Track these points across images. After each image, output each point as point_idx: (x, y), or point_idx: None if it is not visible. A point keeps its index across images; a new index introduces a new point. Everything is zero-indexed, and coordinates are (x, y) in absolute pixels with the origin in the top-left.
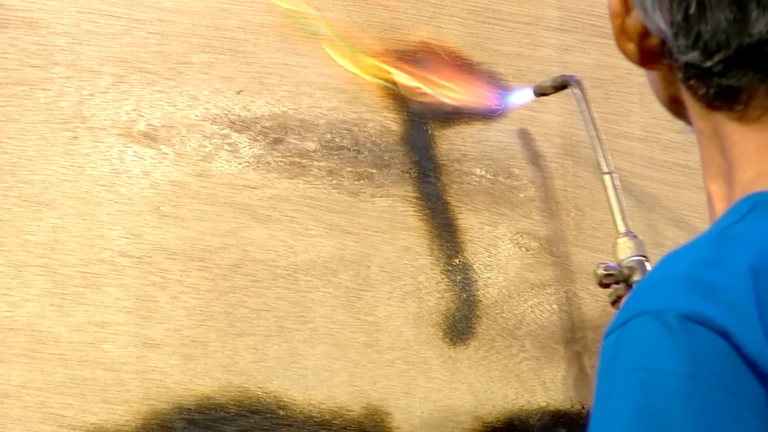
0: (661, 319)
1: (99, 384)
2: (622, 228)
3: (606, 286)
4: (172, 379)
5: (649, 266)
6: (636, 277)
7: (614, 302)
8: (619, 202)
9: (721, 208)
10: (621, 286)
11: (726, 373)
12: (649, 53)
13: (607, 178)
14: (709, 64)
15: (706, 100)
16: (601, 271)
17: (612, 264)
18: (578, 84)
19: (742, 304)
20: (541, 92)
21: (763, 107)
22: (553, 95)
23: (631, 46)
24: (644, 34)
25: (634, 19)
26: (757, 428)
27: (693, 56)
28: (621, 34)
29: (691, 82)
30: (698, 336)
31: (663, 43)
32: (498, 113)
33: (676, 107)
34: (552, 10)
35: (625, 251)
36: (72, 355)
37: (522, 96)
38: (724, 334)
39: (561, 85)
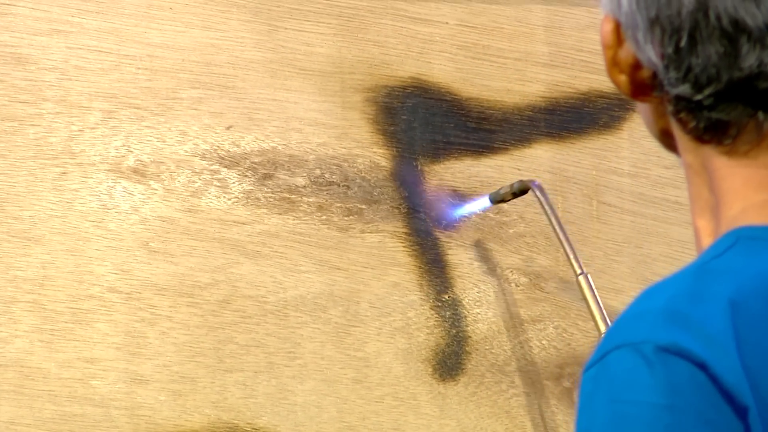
0: (639, 351)
1: (88, 420)
2: (603, 328)
3: None
4: (161, 415)
5: None
6: None
7: None
8: (597, 302)
9: (707, 243)
10: None
11: (703, 405)
12: (640, 85)
13: (581, 279)
14: (699, 97)
15: (696, 134)
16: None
17: None
18: (539, 188)
19: (719, 337)
20: (498, 199)
21: (751, 142)
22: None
23: (623, 78)
24: (636, 66)
25: (626, 51)
26: None
27: (683, 89)
28: (613, 65)
29: (681, 115)
30: (676, 367)
31: (654, 75)
32: (454, 224)
33: (667, 140)
34: (542, 45)
35: None
36: (61, 392)
37: (478, 204)
38: (702, 366)
39: (520, 191)
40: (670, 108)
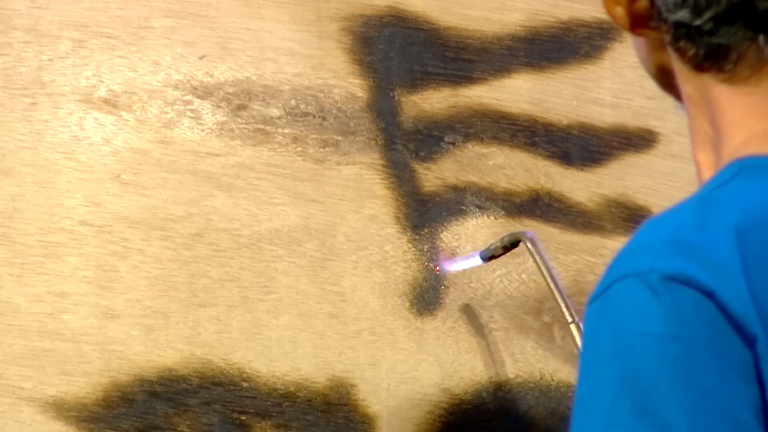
0: (645, 281)
1: (58, 355)
2: None
3: None
4: (133, 350)
5: None
6: None
7: None
8: None
9: (708, 176)
10: None
11: (712, 335)
12: (637, 16)
13: (573, 328)
14: (698, 22)
15: (695, 62)
16: None
17: None
18: (531, 240)
19: (727, 266)
20: (490, 255)
21: (752, 67)
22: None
23: (620, 10)
24: None
25: None
26: (743, 389)
27: (682, 14)
28: None
29: (680, 43)
30: (683, 297)
31: (652, 4)
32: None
33: (664, 78)
34: None
35: None
36: (31, 326)
37: (471, 263)
38: (709, 295)
39: (511, 244)
40: (668, 38)
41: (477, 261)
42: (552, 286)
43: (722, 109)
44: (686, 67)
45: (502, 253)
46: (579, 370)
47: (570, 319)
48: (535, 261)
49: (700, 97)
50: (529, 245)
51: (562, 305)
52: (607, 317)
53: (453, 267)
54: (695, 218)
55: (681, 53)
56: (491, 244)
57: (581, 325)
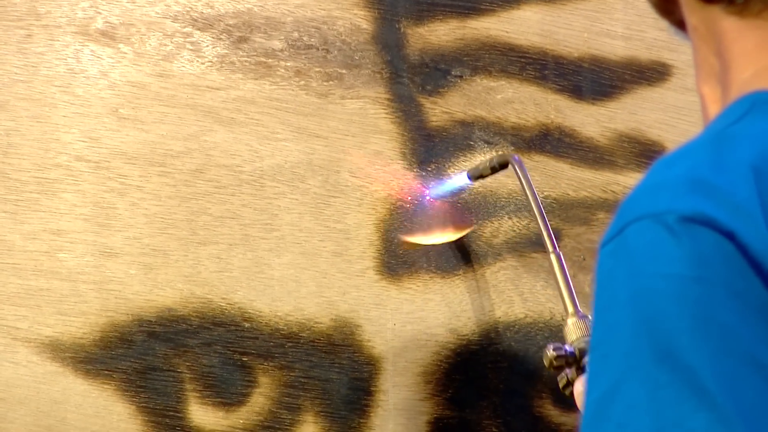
0: (662, 222)
1: (54, 295)
2: (570, 308)
3: (557, 368)
4: (131, 289)
5: None
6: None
7: (565, 387)
8: (566, 282)
9: (714, 110)
10: (572, 369)
11: (733, 276)
12: None
13: (553, 258)
14: None
15: None
16: (551, 353)
17: (563, 346)
18: (519, 163)
19: (745, 205)
20: (477, 175)
21: (765, 1)
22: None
23: None
24: None
25: None
26: (765, 331)
27: None
28: None
29: None
30: (702, 237)
31: None
32: (437, 202)
33: (665, 5)
34: None
35: (575, 332)
36: (26, 265)
37: (458, 181)
38: (729, 235)
39: (500, 165)
40: None
41: (464, 180)
42: (536, 212)
43: (731, 41)
44: None
45: (490, 174)
46: (593, 314)
47: (551, 249)
48: (521, 185)
49: (706, 29)
50: (517, 168)
51: (544, 233)
52: (623, 260)
53: (442, 188)
54: (711, 157)
55: None
56: (479, 164)
57: (562, 258)
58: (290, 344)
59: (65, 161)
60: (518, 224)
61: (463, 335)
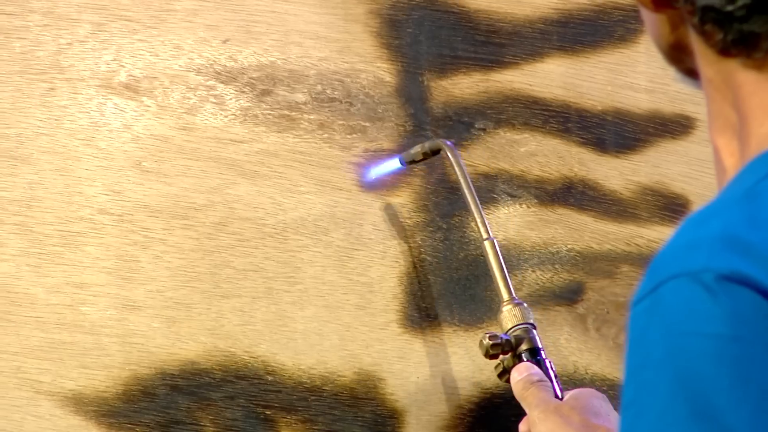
0: (699, 281)
1: (78, 348)
2: (505, 296)
3: (493, 357)
4: (154, 342)
5: (536, 333)
6: (524, 346)
7: (501, 374)
8: (501, 268)
9: (731, 162)
10: (509, 356)
11: None
12: None
13: (487, 244)
14: (730, 8)
15: (721, 47)
16: (487, 341)
17: (499, 334)
18: (452, 149)
19: None
20: (410, 160)
21: None
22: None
23: None
24: None
25: None
26: None
27: None
28: None
29: (707, 27)
30: (739, 296)
31: None
32: (367, 185)
33: (676, 54)
34: None
35: (511, 320)
36: (49, 318)
37: (390, 165)
38: (766, 294)
39: (432, 151)
40: (694, 20)
41: (396, 164)
42: (468, 199)
43: (749, 94)
44: (710, 50)
45: (422, 159)
46: (626, 373)
47: (485, 236)
48: (454, 171)
49: (722, 82)
50: (450, 155)
51: (478, 220)
52: (658, 318)
53: (374, 172)
54: (744, 214)
55: (706, 36)
56: (412, 149)
57: (496, 243)
58: (313, 397)
59: (88, 214)
60: (542, 277)
61: (487, 388)
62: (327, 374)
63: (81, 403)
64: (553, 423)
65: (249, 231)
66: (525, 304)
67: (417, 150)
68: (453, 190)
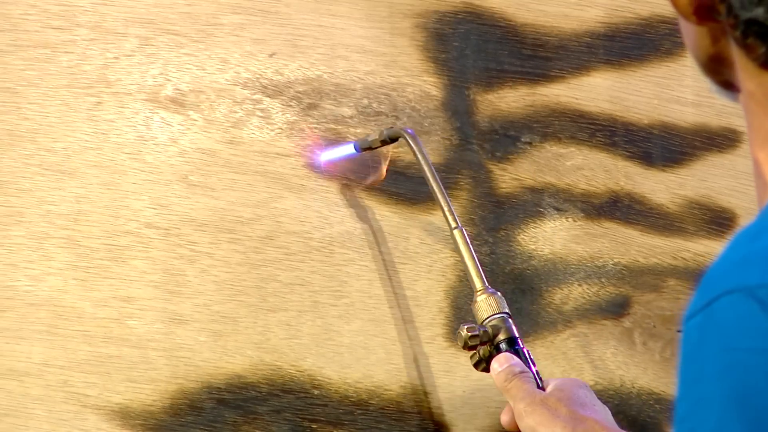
0: (754, 296)
1: (124, 362)
2: (479, 285)
3: (472, 348)
4: (201, 356)
5: (512, 322)
6: (502, 336)
7: (476, 364)
8: (472, 257)
9: None
10: (486, 346)
11: None
12: (702, 7)
13: (456, 233)
14: None
15: (764, 60)
16: (464, 333)
17: (476, 325)
18: (412, 137)
19: None
20: (366, 146)
21: None
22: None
23: (684, 0)
24: None
25: None
26: None
27: (757, 12)
28: None
29: (749, 40)
30: None
31: None
32: (320, 168)
33: (715, 66)
34: None
35: (486, 310)
36: (96, 332)
37: (344, 150)
38: None
39: (390, 138)
40: (736, 33)
41: (351, 150)
42: (433, 187)
43: None
44: (752, 64)
45: (380, 146)
46: (679, 388)
47: (453, 225)
48: (416, 159)
49: (763, 95)
50: (410, 141)
51: (445, 209)
52: (711, 333)
53: (326, 156)
54: None
55: (748, 50)
56: (369, 136)
57: (464, 232)
58: (359, 411)
59: (135, 228)
60: (588, 291)
61: None
62: (373, 388)
63: (128, 417)
64: (540, 416)
65: (295, 245)
66: (499, 294)
67: (375, 138)
68: (499, 204)
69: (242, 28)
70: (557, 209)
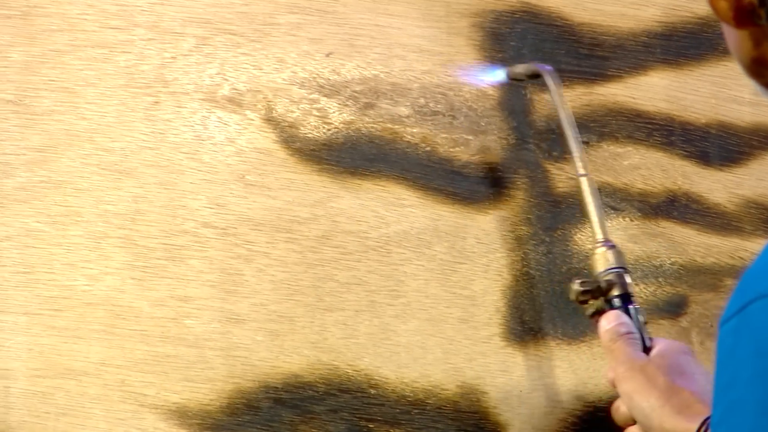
0: None
1: (181, 361)
2: (600, 236)
3: (583, 302)
4: (257, 356)
5: (629, 278)
6: (615, 292)
7: (592, 315)
8: (596, 207)
9: None
10: (600, 300)
11: None
12: (742, 12)
13: (583, 180)
14: None
15: None
16: (576, 287)
17: (588, 280)
18: (551, 75)
19: None
20: (514, 77)
21: None
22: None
23: (724, 4)
24: None
25: None
26: None
27: None
28: None
29: None
30: None
31: (761, 2)
32: (471, 84)
33: (758, 68)
34: None
35: (603, 263)
36: (153, 331)
37: (495, 76)
38: None
39: (532, 74)
40: None
41: (502, 76)
42: (566, 129)
43: None
44: None
45: (524, 79)
46: (714, 392)
47: (582, 171)
48: (552, 98)
49: None
50: (549, 80)
51: (575, 155)
52: (746, 338)
53: (476, 76)
54: None
55: None
56: (517, 66)
57: (591, 180)
58: (416, 411)
59: (192, 228)
60: (645, 290)
61: (590, 402)
62: (430, 388)
63: (185, 417)
64: (637, 383)
65: (352, 244)
66: (618, 247)
67: (521, 70)
68: (556, 204)
69: (299, 27)
70: (614, 209)
